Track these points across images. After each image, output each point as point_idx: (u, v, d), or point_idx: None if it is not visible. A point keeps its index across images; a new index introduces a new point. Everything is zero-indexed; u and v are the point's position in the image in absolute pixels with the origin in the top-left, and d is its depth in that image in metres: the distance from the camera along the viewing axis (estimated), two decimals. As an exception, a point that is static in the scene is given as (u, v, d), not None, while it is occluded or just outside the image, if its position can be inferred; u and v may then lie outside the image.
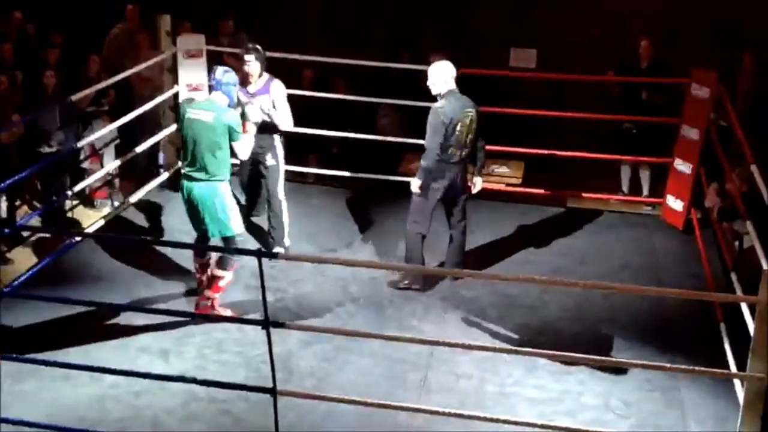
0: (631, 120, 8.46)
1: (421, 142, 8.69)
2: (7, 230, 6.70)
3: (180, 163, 6.99)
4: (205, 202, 6.04)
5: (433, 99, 8.12)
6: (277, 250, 6.97)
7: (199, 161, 5.98)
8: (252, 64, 6.78)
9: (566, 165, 8.61)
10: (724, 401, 5.54)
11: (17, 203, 7.97)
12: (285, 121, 6.96)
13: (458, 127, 6.54)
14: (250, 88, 6.85)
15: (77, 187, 7.88)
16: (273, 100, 6.87)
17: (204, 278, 6.31)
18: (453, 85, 6.66)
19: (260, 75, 6.84)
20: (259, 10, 10.14)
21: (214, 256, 6.32)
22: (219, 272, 6.21)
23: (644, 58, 8.57)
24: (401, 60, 9.09)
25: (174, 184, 8.36)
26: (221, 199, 6.06)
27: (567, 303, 6.67)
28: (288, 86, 7.18)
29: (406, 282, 6.84)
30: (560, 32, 9.65)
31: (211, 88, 6.37)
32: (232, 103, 6.15)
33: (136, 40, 8.88)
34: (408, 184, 8.58)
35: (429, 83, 6.70)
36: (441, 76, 6.65)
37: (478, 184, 6.93)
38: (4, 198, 7.36)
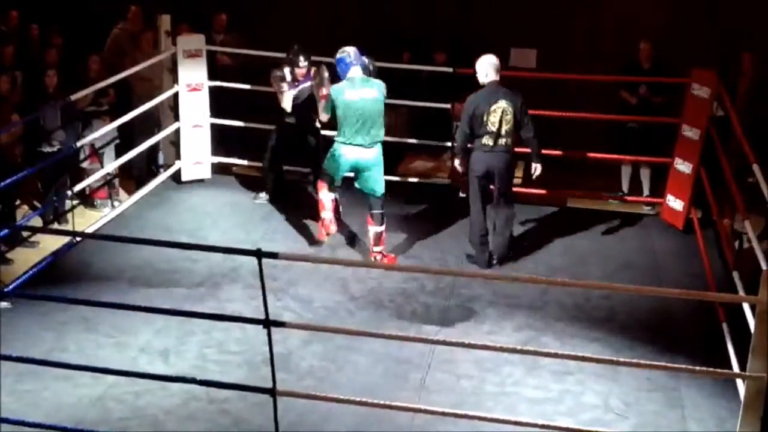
0: (635, 120, 8.48)
1: (422, 142, 8.77)
2: (6, 230, 6.70)
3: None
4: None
5: (438, 99, 8.29)
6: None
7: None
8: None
9: (566, 165, 8.61)
10: (724, 401, 5.54)
11: (17, 203, 7.97)
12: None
13: (485, 117, 6.91)
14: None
15: (77, 187, 7.88)
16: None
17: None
18: (494, 77, 7.00)
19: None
20: (258, 8, 10.14)
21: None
22: (380, 228, 7.09)
23: (645, 60, 8.58)
24: (401, 60, 9.10)
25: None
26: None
27: (567, 303, 6.67)
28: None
29: (473, 258, 7.26)
30: (560, 32, 9.65)
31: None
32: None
33: (138, 40, 8.89)
34: (409, 184, 8.64)
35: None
36: (481, 67, 7.05)
37: (536, 170, 7.19)
38: None
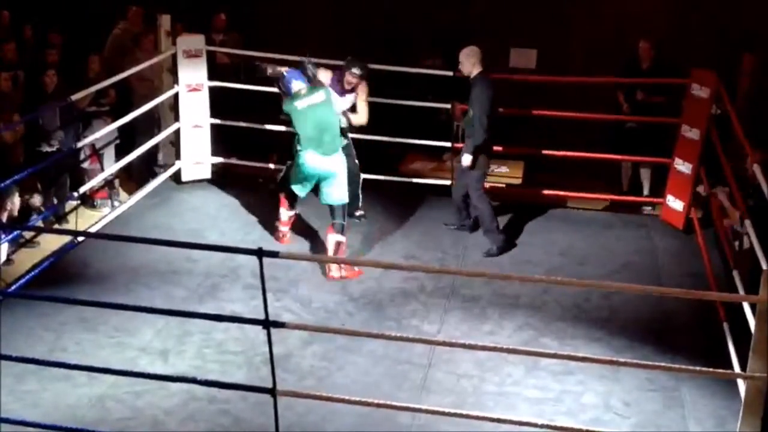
0: (633, 120, 8.48)
1: (422, 142, 8.77)
2: (8, 231, 6.69)
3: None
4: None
5: (438, 99, 8.28)
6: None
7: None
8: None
9: (566, 165, 8.61)
10: (725, 401, 5.54)
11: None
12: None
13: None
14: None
15: (77, 188, 7.87)
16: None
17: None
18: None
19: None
20: (258, 8, 10.14)
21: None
22: (340, 237, 7.08)
23: (645, 60, 8.57)
24: (398, 61, 9.11)
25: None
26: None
27: (567, 303, 6.67)
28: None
29: (496, 249, 7.49)
30: (560, 32, 9.65)
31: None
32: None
33: (139, 40, 8.88)
34: (408, 184, 8.63)
35: None
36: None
37: None
38: (17, 195, 7.27)
